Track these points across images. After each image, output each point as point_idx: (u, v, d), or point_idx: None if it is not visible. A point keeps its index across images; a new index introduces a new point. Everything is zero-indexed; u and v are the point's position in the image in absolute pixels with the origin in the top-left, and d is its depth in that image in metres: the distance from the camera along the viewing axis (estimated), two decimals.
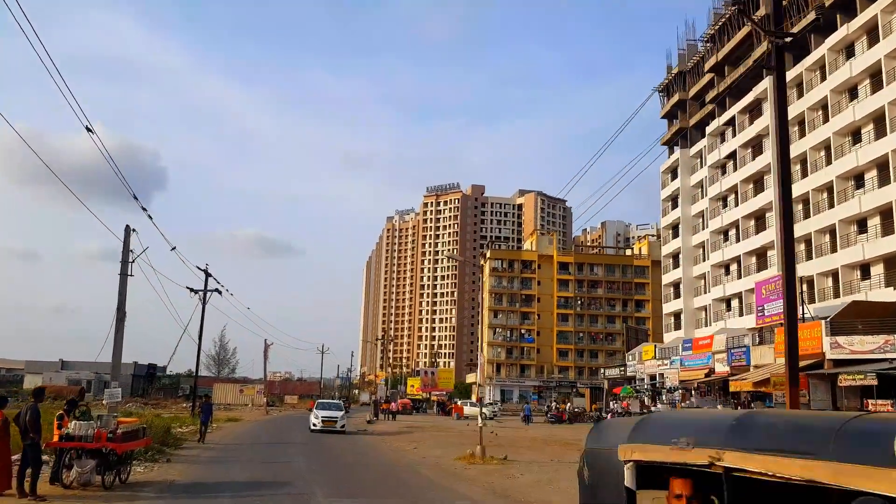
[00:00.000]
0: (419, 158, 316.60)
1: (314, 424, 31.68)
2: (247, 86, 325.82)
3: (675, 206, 66.32)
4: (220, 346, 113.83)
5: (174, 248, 24.11)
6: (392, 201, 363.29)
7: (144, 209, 19.01)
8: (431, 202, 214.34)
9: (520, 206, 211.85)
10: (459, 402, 56.06)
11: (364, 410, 70.23)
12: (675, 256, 66.21)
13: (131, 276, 18.96)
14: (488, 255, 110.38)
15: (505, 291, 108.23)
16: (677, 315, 65.08)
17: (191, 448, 21.45)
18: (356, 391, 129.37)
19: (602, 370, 70.32)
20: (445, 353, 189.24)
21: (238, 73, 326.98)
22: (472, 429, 39.14)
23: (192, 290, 40.40)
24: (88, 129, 14.13)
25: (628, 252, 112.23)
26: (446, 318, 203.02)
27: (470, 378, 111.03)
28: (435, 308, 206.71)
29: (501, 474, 17.59)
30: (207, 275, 41.08)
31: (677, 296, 64.72)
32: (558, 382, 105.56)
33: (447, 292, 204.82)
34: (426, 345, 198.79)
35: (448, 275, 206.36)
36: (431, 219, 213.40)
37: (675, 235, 65.85)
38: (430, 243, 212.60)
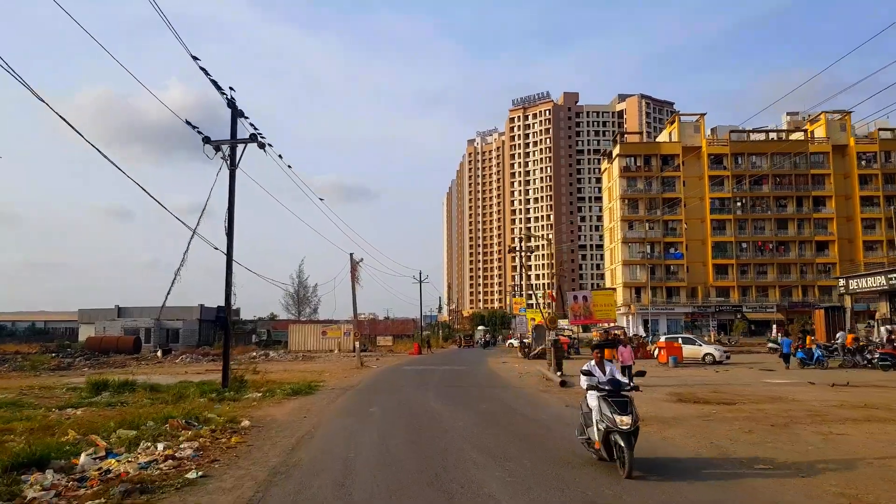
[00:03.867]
0: (494, 91, 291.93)
1: None
2: (312, 32, 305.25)
3: None
4: (298, 282, 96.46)
5: None
6: (471, 130, 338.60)
7: None
8: (518, 116, 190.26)
9: (620, 114, 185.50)
10: (665, 338, 34.75)
11: (499, 353, 50.41)
12: None
13: None
14: (616, 151, 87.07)
15: (641, 196, 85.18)
16: None
17: None
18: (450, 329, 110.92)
19: (842, 281, 47.03)
20: (543, 285, 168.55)
21: (302, 20, 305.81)
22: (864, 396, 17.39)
23: (208, 140, 20.13)
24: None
25: (797, 136, 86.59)
26: (542, 245, 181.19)
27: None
28: (529, 235, 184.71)
29: None
30: (235, 111, 20.44)
31: None
32: (717, 307, 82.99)
33: (542, 216, 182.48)
34: (521, 275, 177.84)
35: (542, 196, 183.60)
36: (519, 135, 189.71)
37: None
38: (519, 163, 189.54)
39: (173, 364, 43.54)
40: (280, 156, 21.31)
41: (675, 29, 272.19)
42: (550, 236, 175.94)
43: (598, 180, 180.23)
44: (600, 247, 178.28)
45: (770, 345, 46.84)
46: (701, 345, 32.95)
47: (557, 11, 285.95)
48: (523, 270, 52.49)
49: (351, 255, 36.08)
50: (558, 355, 24.15)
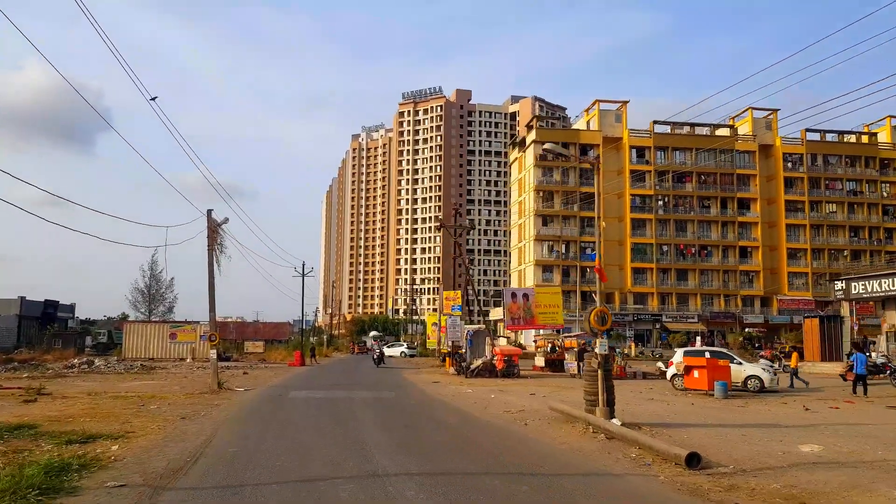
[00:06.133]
0: (381, 93, 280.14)
1: None
2: (186, 23, 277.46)
3: None
4: (150, 275, 79.05)
5: None
6: (357, 128, 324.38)
7: None
8: (408, 111, 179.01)
9: (513, 115, 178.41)
10: (685, 352, 23.47)
11: (408, 366, 37.58)
12: None
13: None
14: (530, 137, 77.41)
15: (558, 188, 75.83)
16: None
17: None
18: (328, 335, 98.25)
19: (839, 284, 37.22)
20: (430, 290, 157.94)
21: (176, 9, 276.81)
22: None
23: None
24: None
25: (722, 132, 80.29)
26: (430, 248, 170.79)
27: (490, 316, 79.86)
28: (416, 237, 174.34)
29: None
30: None
31: None
32: (635, 315, 74.83)
33: (430, 217, 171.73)
34: (405, 279, 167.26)
35: (431, 196, 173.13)
36: (408, 131, 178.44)
37: None
38: (407, 160, 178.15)
39: None
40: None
41: (551, 51, 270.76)
42: (437, 238, 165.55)
43: (489, 182, 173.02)
44: (488, 252, 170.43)
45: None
46: (741, 363, 22.06)
47: (442, 26, 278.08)
48: (458, 250, 40.64)
49: (209, 211, 22.74)
50: (609, 381, 12.45)
